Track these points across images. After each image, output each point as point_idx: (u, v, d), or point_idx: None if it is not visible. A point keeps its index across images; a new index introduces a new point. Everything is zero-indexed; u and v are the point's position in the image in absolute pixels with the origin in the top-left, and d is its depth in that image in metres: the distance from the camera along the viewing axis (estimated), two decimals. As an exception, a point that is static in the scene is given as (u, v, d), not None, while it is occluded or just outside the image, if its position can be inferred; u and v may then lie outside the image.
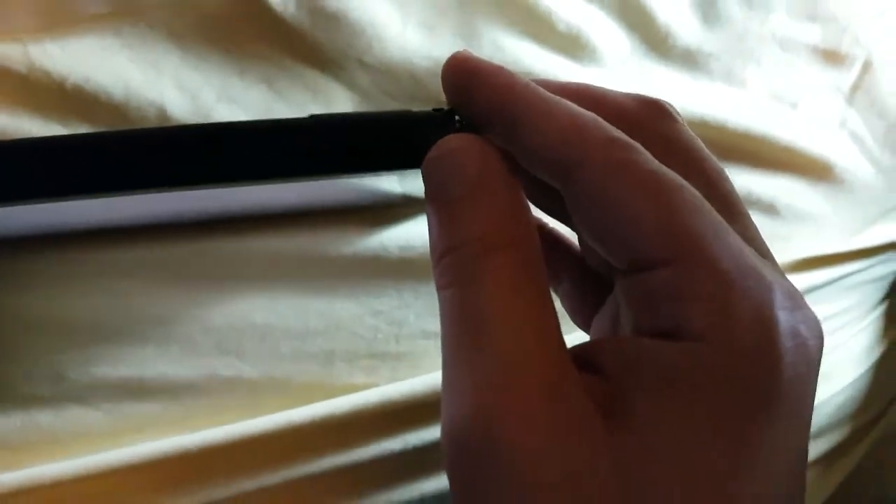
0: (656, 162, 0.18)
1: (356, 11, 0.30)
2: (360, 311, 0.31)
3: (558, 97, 0.19)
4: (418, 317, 0.31)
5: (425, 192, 0.20)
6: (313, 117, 0.21)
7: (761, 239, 0.20)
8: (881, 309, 0.45)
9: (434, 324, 0.31)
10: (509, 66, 0.30)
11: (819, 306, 0.40)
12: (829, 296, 0.40)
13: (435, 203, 0.19)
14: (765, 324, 0.17)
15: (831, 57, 0.38)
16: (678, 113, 0.21)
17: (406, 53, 0.30)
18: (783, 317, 0.17)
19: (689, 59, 0.35)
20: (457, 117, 0.21)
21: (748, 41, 0.35)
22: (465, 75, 0.20)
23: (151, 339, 0.29)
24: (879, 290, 0.45)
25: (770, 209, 0.36)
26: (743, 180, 0.35)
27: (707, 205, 0.18)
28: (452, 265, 0.18)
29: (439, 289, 0.19)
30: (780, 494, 0.17)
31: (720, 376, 0.16)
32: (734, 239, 0.18)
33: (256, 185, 0.22)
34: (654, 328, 0.18)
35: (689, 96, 0.34)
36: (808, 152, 0.36)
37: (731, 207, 0.20)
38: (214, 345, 0.30)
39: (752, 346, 0.17)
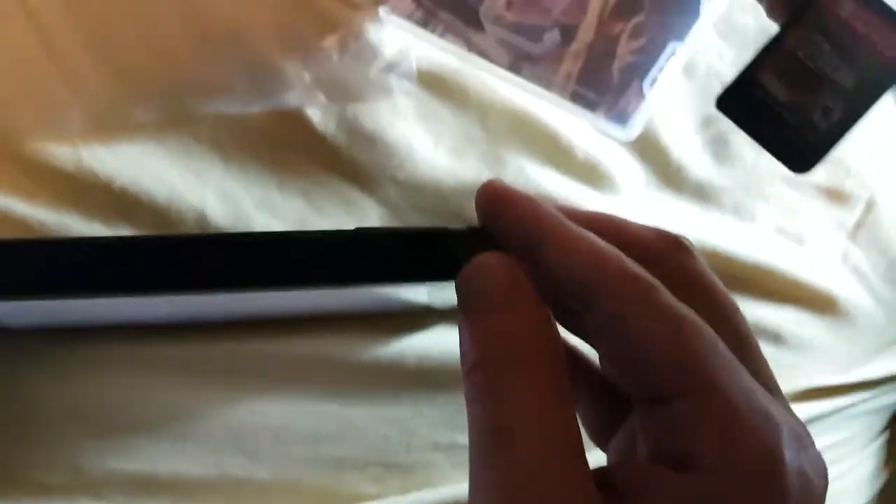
0: (674, 298, 0.19)
1: (392, 133, 0.31)
2: (373, 418, 0.31)
3: (582, 228, 0.20)
4: (430, 427, 0.32)
5: (458, 304, 0.21)
6: (358, 230, 0.22)
7: (770, 374, 0.21)
8: (883, 438, 0.46)
9: (445, 436, 0.32)
10: (532, 191, 0.32)
11: (823, 436, 0.40)
12: (833, 425, 0.41)
13: (467, 315, 0.20)
14: (772, 462, 0.17)
15: (836, 196, 0.40)
16: (695, 248, 0.22)
17: (436, 173, 0.32)
18: (790, 456, 0.18)
19: (700, 193, 0.36)
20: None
21: (757, 178, 0.37)
22: (496, 200, 0.21)
23: (168, 434, 0.29)
24: (881, 421, 0.45)
25: (776, 338, 0.37)
26: (751, 310, 0.36)
27: (721, 343, 0.19)
28: (482, 377, 0.19)
29: (468, 400, 0.19)
30: None
31: None
32: (746, 377, 0.19)
33: (299, 291, 0.23)
34: (669, 457, 0.18)
35: (700, 227, 0.36)
36: (813, 285, 0.38)
37: (743, 344, 0.20)
38: (229, 444, 0.30)
39: (760, 483, 0.17)
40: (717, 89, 0.35)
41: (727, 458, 0.18)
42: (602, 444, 0.24)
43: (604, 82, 0.30)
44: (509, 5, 0.30)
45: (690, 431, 0.18)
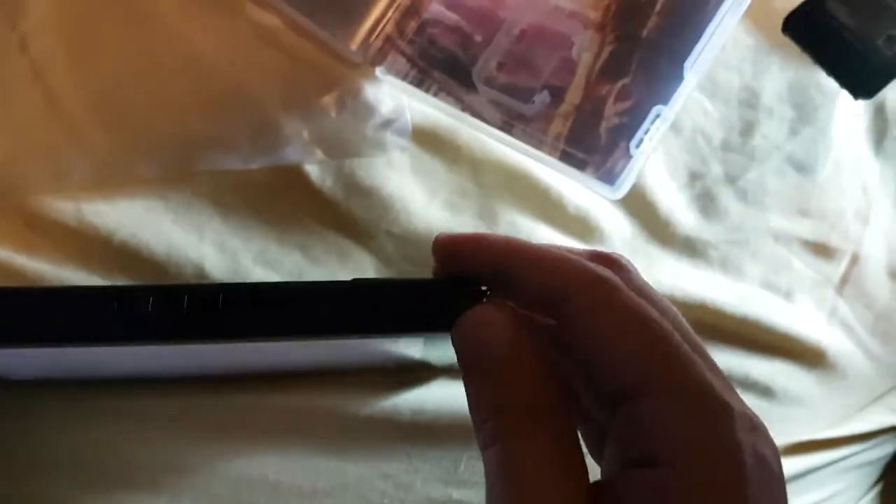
0: (637, 298, 0.20)
1: (387, 188, 0.32)
2: (369, 473, 0.31)
3: (544, 244, 0.22)
4: (425, 482, 0.32)
5: (459, 360, 0.21)
6: (354, 281, 0.23)
7: (718, 368, 0.22)
8: (876, 490, 0.46)
9: (439, 490, 0.32)
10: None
11: (816, 489, 0.41)
12: (824, 479, 0.41)
13: (471, 371, 0.21)
14: (731, 450, 0.18)
15: (822, 250, 0.40)
16: (631, 263, 0.23)
17: (429, 226, 0.33)
18: (744, 437, 0.19)
19: (688, 247, 0.37)
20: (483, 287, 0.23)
21: (744, 233, 0.38)
22: (452, 245, 0.23)
23: (165, 488, 0.29)
24: (875, 473, 0.45)
25: (767, 392, 0.37)
26: (740, 363, 0.37)
27: (677, 336, 0.20)
28: (493, 427, 0.20)
29: (483, 448, 0.20)
30: None
31: (694, 497, 0.18)
32: (699, 368, 0.20)
33: (297, 341, 0.23)
34: (637, 458, 0.19)
35: (689, 281, 0.36)
36: (802, 339, 0.38)
37: (694, 342, 0.22)
38: (226, 498, 0.30)
39: (722, 470, 0.18)
40: (703, 146, 0.37)
41: (687, 450, 0.18)
42: (598, 458, 0.24)
43: (592, 142, 0.31)
44: (501, 67, 0.32)
45: (652, 428, 0.19)
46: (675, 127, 0.37)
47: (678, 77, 0.31)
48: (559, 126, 0.31)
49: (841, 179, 0.40)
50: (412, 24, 0.32)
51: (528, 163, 0.34)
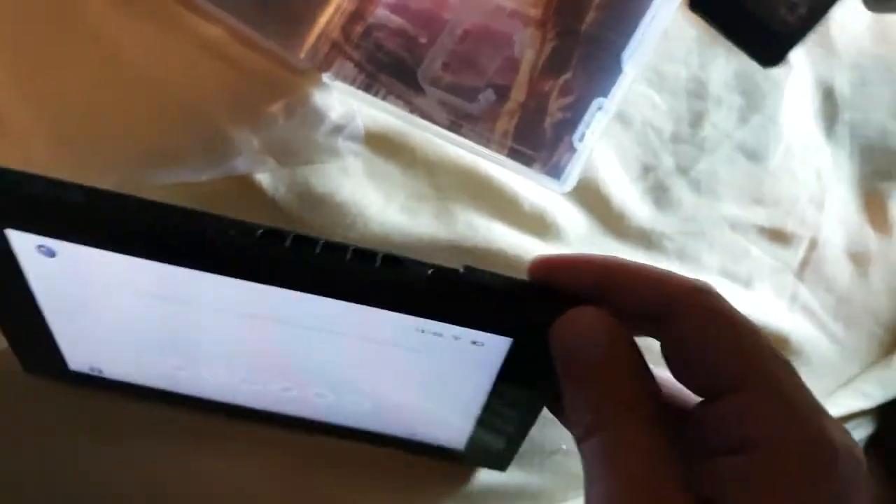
0: (732, 306, 0.22)
1: (342, 193, 0.32)
2: None
3: (638, 262, 0.23)
4: None
5: (557, 359, 0.22)
6: (466, 268, 0.23)
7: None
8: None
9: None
10: (481, 243, 0.33)
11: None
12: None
13: (571, 367, 0.22)
14: (825, 441, 0.20)
15: (779, 237, 0.41)
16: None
17: (385, 229, 0.33)
18: (840, 438, 0.20)
19: (644, 239, 0.38)
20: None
21: (699, 223, 0.39)
22: (549, 268, 0.24)
23: None
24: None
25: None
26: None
27: (770, 341, 0.22)
28: (596, 422, 0.21)
29: (582, 441, 0.21)
30: None
31: (786, 479, 0.19)
32: (797, 377, 0.21)
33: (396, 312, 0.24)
34: (734, 445, 0.20)
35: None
36: (763, 327, 0.39)
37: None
38: None
39: (815, 457, 0.20)
40: (654, 139, 0.37)
41: (784, 437, 0.20)
42: None
43: (538, 138, 0.31)
44: (446, 67, 0.32)
45: (750, 417, 0.20)
46: (625, 120, 0.38)
47: (617, 69, 0.31)
48: (505, 123, 0.32)
49: (793, 165, 0.40)
50: (358, 29, 0.32)
51: (481, 162, 0.34)
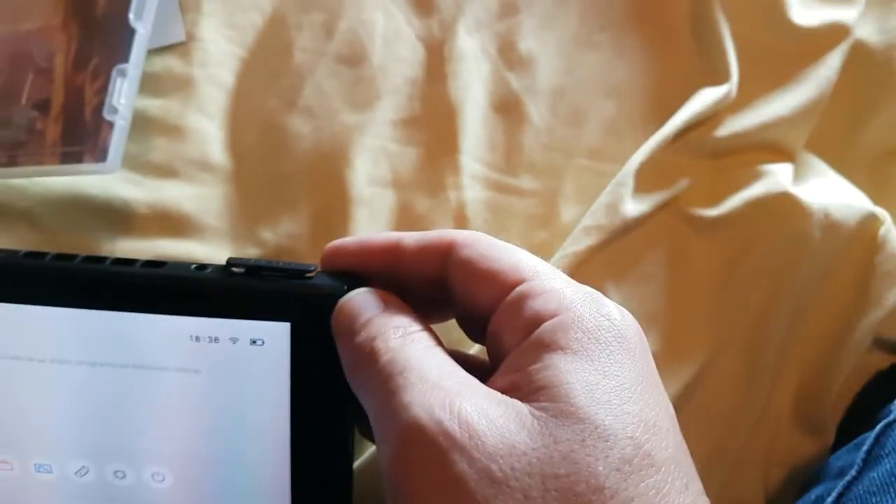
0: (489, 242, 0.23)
1: None
2: None
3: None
4: None
5: (339, 327, 0.22)
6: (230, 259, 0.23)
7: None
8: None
9: None
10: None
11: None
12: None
13: (357, 320, 0.22)
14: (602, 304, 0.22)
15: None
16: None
17: None
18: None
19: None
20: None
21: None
22: (336, 254, 0.25)
23: None
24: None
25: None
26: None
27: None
28: (381, 344, 0.21)
29: (367, 368, 0.21)
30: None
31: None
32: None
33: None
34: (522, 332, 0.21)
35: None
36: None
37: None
38: None
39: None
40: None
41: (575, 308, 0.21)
42: None
43: (82, 131, 0.29)
44: (-12, 109, 0.31)
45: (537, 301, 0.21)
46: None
47: (129, 31, 0.29)
48: (53, 133, 0.30)
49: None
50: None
51: (82, 185, 0.32)
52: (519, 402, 0.20)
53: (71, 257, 0.22)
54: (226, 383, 0.23)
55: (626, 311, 0.22)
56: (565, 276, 0.23)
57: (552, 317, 0.21)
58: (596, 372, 0.20)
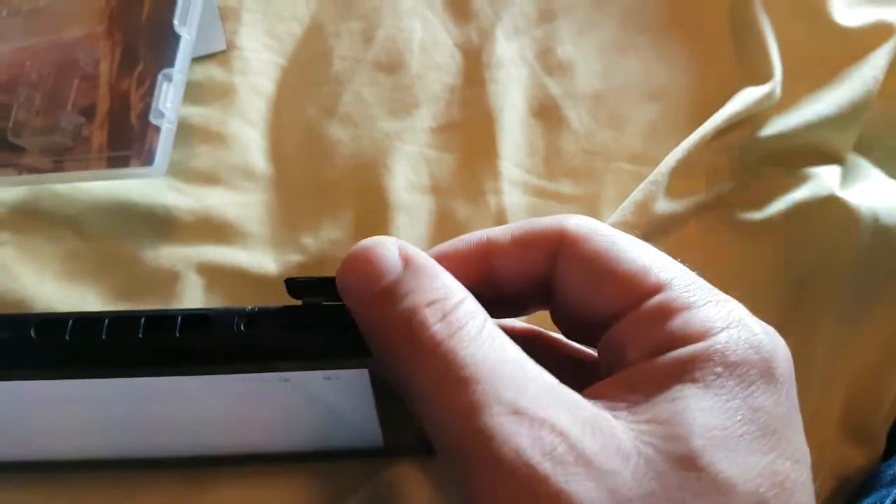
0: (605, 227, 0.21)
1: None
2: None
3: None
4: None
5: (356, 285, 0.20)
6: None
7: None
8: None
9: None
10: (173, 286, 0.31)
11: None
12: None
13: (381, 280, 0.19)
14: (751, 328, 0.19)
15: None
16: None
17: (48, 302, 0.30)
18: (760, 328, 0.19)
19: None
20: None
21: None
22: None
23: None
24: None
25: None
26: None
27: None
28: (435, 326, 0.18)
29: (417, 352, 0.18)
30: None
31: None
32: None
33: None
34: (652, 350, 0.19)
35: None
36: None
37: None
38: None
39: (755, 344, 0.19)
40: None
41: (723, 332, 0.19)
42: None
43: (128, 136, 0.30)
44: (36, 114, 0.31)
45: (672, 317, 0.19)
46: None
47: (174, 37, 0.30)
48: (99, 138, 0.30)
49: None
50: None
51: (125, 192, 0.32)
52: (623, 431, 0.17)
53: (94, 326, 0.20)
54: (308, 396, 0.23)
55: (776, 336, 0.19)
56: (707, 285, 0.20)
57: (693, 342, 0.18)
58: (729, 415, 0.17)
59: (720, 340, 0.18)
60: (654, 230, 0.33)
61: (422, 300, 0.18)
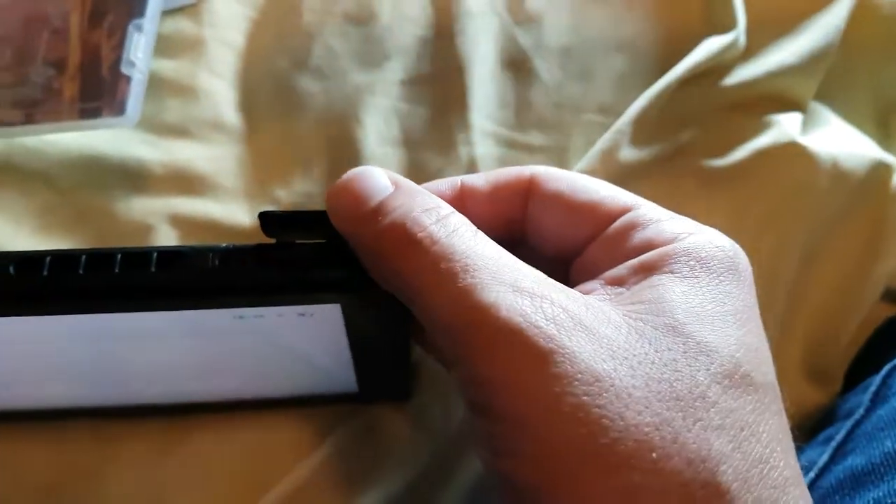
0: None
1: None
2: None
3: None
4: None
5: (347, 210, 0.20)
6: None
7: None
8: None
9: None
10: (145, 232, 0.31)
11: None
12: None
13: (368, 202, 0.20)
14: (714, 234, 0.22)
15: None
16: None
17: None
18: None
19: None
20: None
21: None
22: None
23: None
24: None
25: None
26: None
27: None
28: (422, 230, 0.19)
29: (411, 256, 0.19)
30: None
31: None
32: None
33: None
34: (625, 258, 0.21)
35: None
36: None
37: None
38: None
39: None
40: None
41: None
42: None
43: (99, 87, 0.30)
44: (7, 69, 0.31)
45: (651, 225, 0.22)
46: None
47: (142, -14, 0.30)
48: (70, 91, 0.30)
49: None
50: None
51: (97, 146, 0.32)
52: (611, 309, 0.19)
53: (72, 263, 0.20)
54: (281, 335, 0.23)
55: (738, 245, 0.21)
56: (671, 211, 0.22)
57: (665, 244, 0.20)
58: (703, 297, 0.19)
59: (690, 241, 0.20)
60: (619, 177, 0.34)
61: (416, 207, 0.20)
